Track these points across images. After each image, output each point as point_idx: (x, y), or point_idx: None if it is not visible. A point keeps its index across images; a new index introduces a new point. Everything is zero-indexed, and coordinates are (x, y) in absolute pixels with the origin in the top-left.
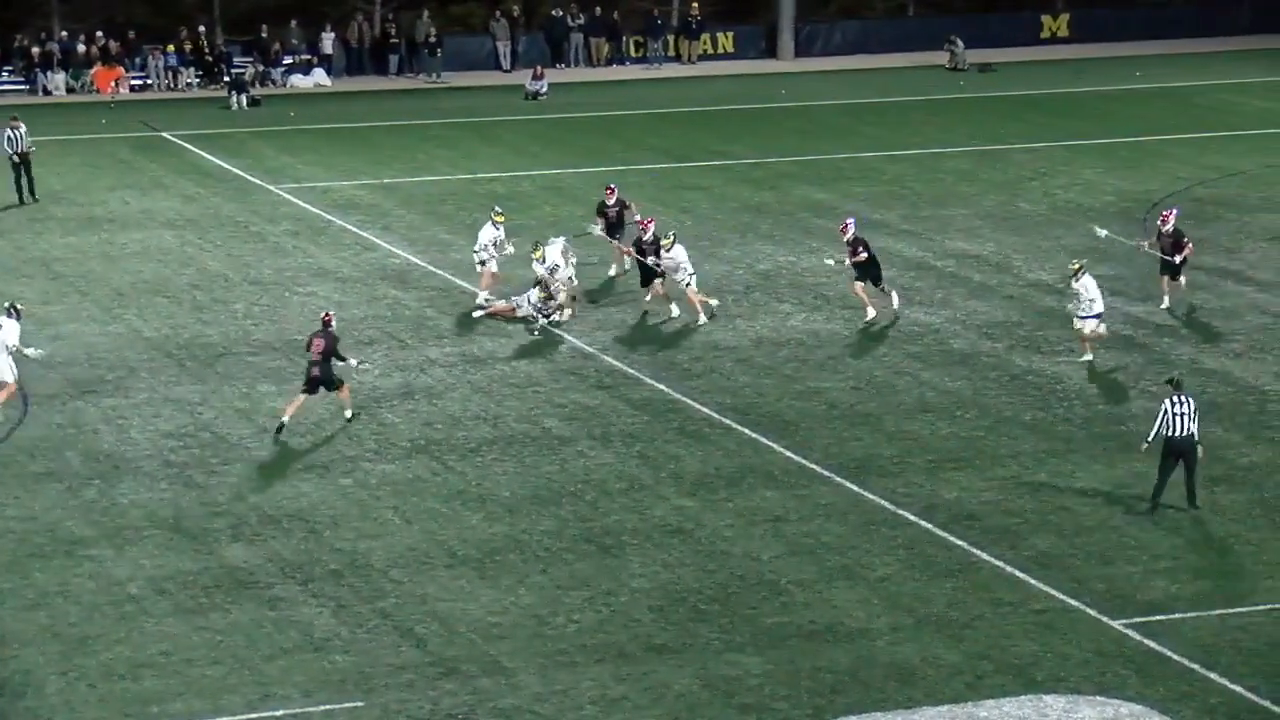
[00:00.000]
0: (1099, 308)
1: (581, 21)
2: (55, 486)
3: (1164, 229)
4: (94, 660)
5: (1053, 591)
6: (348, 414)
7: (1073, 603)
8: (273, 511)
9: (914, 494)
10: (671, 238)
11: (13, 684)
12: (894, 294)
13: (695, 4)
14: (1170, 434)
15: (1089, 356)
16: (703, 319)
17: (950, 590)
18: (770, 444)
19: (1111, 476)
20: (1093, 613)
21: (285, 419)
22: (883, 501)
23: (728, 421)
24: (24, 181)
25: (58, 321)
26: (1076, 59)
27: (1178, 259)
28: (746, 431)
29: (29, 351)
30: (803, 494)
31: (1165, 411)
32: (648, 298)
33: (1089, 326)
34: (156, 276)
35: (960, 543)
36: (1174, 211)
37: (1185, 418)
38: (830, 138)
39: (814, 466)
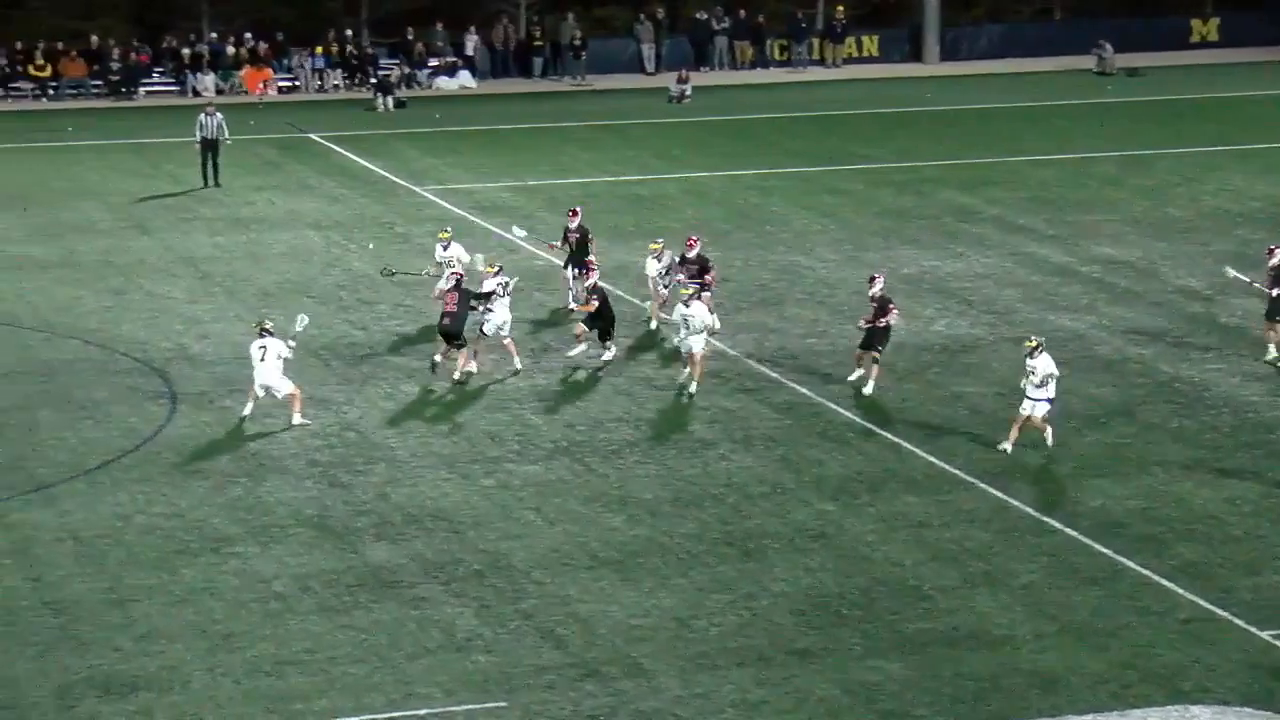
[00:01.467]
0: (1051, 392)
1: (726, 25)
2: (202, 484)
3: (1271, 262)
4: (239, 657)
5: (1199, 600)
6: (456, 375)
7: (1220, 612)
8: (415, 511)
9: (1058, 501)
10: (498, 269)
11: (160, 679)
12: (873, 376)
13: (840, 7)
14: None
15: (1007, 446)
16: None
17: (1095, 598)
18: (913, 449)
19: (1260, 485)
20: (1240, 622)
21: (451, 368)
22: (1026, 508)
23: (870, 426)
24: (210, 167)
25: (204, 320)
26: (1226, 64)
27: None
28: (889, 436)
29: (299, 327)
30: (945, 500)
31: None
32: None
33: (1040, 412)
34: (302, 277)
35: (1105, 550)
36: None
37: None
38: (975, 141)
39: (956, 472)
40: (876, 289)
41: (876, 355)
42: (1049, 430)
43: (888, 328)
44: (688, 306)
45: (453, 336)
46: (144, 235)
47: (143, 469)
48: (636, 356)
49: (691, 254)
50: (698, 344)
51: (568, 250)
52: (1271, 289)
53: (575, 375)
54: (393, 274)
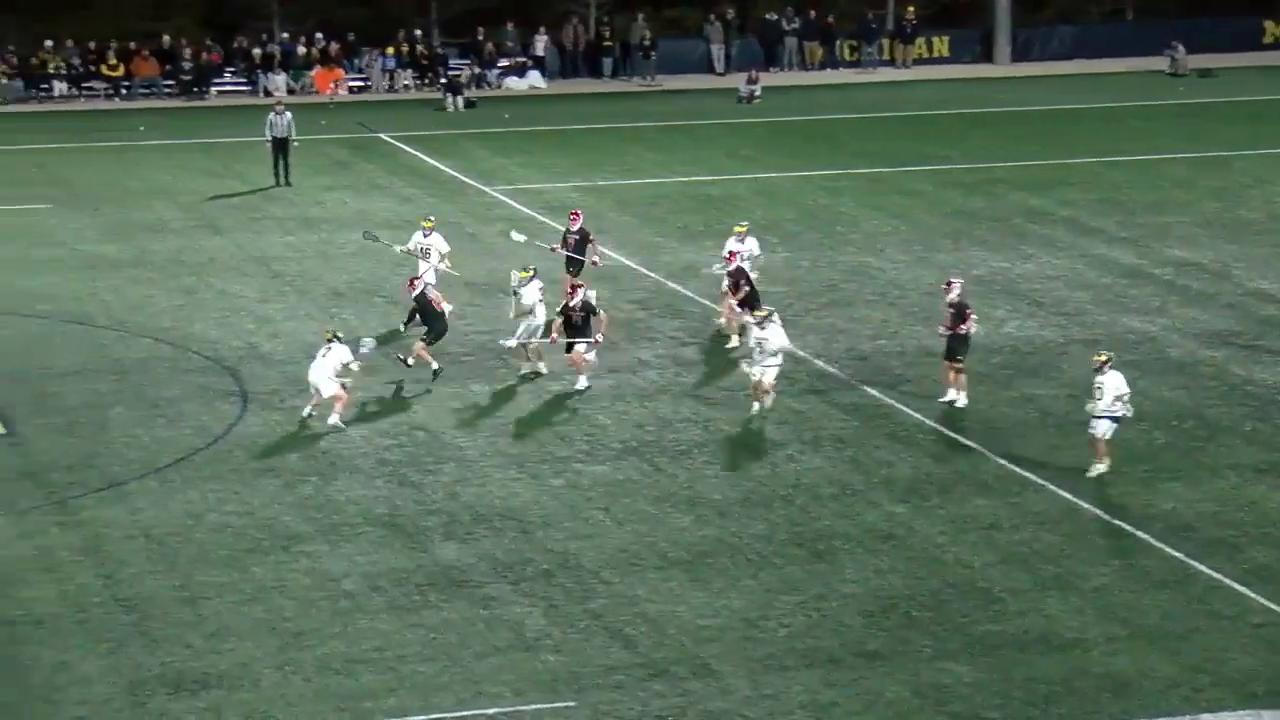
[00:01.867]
0: (1121, 410)
1: (796, 25)
2: (273, 482)
3: None
4: (309, 655)
5: (1272, 605)
6: (409, 361)
7: None
8: (485, 511)
9: (1129, 504)
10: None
11: (230, 676)
12: (962, 387)
13: (911, 8)
14: None
15: (1103, 467)
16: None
17: (1166, 602)
18: (983, 451)
19: None
20: None
21: (435, 365)
22: (1097, 511)
23: (939, 427)
24: (281, 166)
25: (275, 319)
26: None
27: None
28: (959, 438)
29: (364, 350)
30: (1015, 502)
31: None
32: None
33: (1102, 430)
34: (372, 276)
35: (1176, 554)
36: None
37: None
38: (1046, 143)
39: (1027, 474)
40: (954, 294)
41: (959, 366)
42: (1100, 450)
43: (968, 335)
44: (762, 329)
45: (444, 333)
46: (215, 234)
47: (214, 467)
48: (707, 359)
49: (730, 268)
50: (770, 374)
51: (567, 254)
52: None
53: (644, 374)
54: (374, 239)
